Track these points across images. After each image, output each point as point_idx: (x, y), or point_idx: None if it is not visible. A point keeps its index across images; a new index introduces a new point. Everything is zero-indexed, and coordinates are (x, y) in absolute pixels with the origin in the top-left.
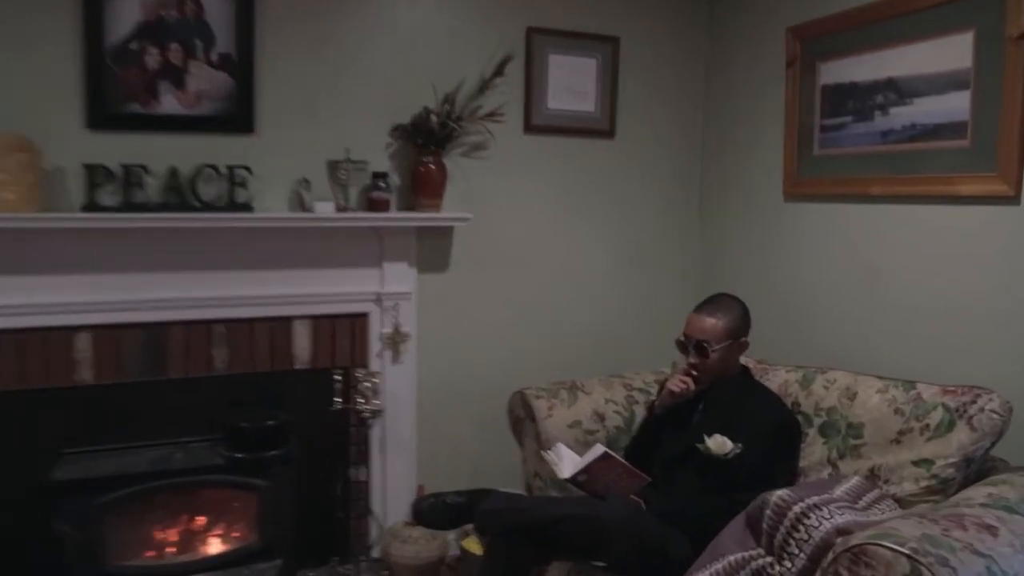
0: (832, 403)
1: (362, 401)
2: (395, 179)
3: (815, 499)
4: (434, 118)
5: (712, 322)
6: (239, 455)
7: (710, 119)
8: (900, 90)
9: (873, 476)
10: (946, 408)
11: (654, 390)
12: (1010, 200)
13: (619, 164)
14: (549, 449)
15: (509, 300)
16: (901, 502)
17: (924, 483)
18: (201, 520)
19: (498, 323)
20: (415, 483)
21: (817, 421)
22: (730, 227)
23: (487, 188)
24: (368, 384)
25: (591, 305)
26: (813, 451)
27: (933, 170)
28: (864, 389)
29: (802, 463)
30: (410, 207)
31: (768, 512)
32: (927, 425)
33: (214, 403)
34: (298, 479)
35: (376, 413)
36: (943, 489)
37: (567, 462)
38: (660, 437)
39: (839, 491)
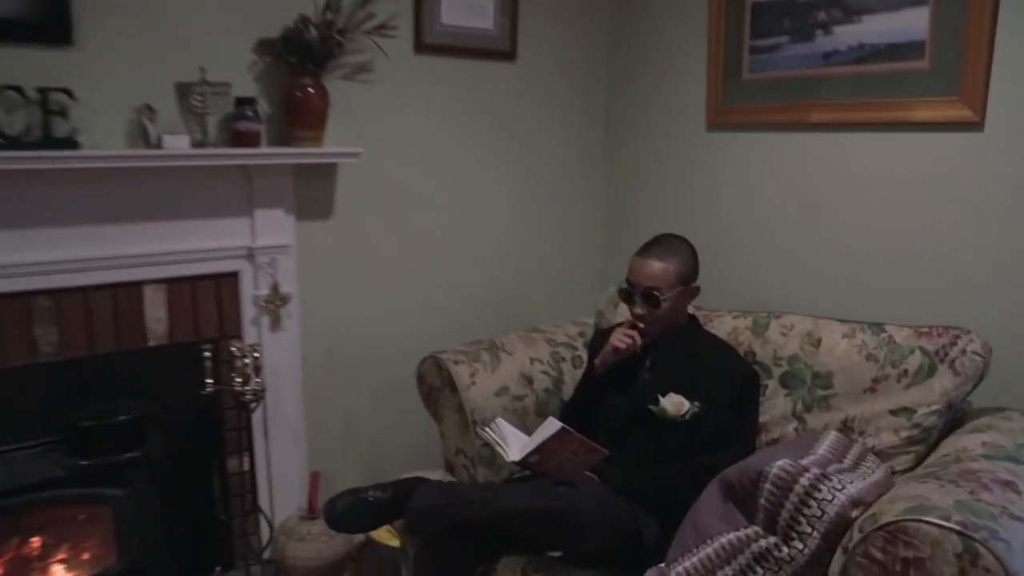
0: (793, 351)
1: (239, 380)
2: (265, 107)
3: (820, 468)
4: (313, 30)
5: (661, 267)
6: (84, 462)
7: (620, 39)
8: (846, 7)
9: (846, 429)
10: (924, 352)
11: (579, 344)
12: (974, 126)
13: (521, 91)
14: (486, 427)
15: (404, 249)
16: (880, 455)
17: (905, 433)
18: (35, 543)
19: (393, 277)
20: (307, 470)
21: (777, 371)
22: (643, 161)
23: (374, 118)
24: (246, 359)
25: (496, 251)
26: (775, 404)
27: (885, 95)
28: (828, 334)
29: (763, 418)
30: (285, 141)
31: (767, 486)
32: (905, 371)
33: (43, 398)
34: (164, 481)
35: (258, 394)
36: (924, 439)
37: (513, 441)
38: (602, 399)
39: (821, 449)
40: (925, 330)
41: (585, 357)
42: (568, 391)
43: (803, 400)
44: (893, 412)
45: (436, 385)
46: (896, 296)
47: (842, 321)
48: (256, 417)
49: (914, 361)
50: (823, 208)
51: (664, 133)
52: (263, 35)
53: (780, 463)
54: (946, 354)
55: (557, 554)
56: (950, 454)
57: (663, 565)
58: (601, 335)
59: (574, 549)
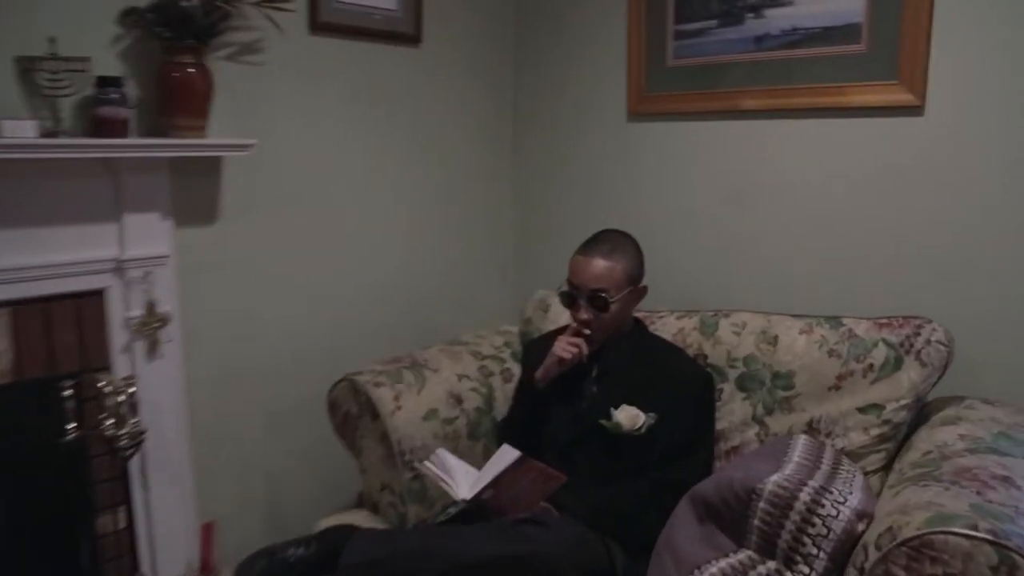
0: (749, 350)
1: (111, 423)
2: (134, 89)
3: (817, 480)
4: None
5: (607, 266)
6: None
7: (530, 23)
8: None
9: (812, 431)
10: (888, 344)
11: (507, 356)
12: (915, 110)
13: (427, 78)
14: (426, 461)
15: (301, 255)
16: (850, 456)
17: (875, 431)
18: None
19: (290, 287)
20: (197, 522)
21: (733, 374)
22: (557, 155)
23: (265, 106)
24: (119, 396)
25: (401, 253)
26: (733, 409)
27: (820, 79)
28: (784, 331)
29: (721, 425)
30: (159, 131)
31: (763, 506)
32: (870, 365)
33: None
34: (13, 553)
35: (136, 437)
36: (894, 436)
37: (460, 474)
38: (545, 416)
39: (796, 456)
40: (885, 321)
41: (516, 370)
42: (501, 409)
43: (763, 403)
44: (861, 410)
45: (353, 413)
46: (843, 287)
47: (796, 316)
48: (133, 463)
49: (879, 354)
50: (759, 199)
51: (580, 124)
52: (129, 2)
53: (774, 479)
54: (911, 345)
55: None
56: (932, 451)
57: None
58: (535, 345)
59: None
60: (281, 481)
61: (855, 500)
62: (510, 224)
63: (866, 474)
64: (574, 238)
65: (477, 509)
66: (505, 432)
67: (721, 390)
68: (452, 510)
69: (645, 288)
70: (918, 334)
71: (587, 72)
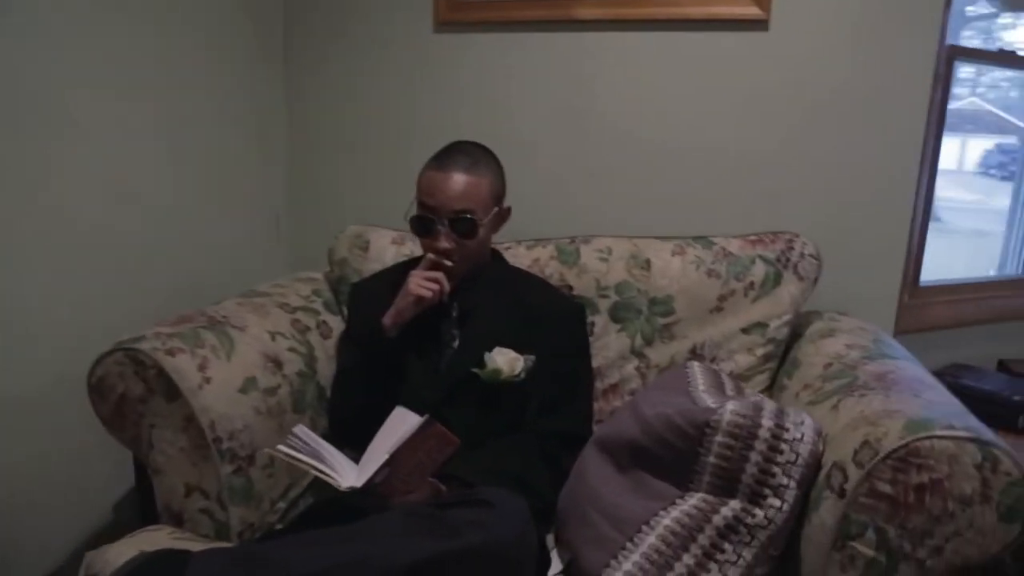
0: (621, 277)
1: None
2: None
3: (769, 404)
4: None
5: (471, 181)
6: None
7: None
8: None
9: (697, 357)
10: (765, 260)
11: (319, 307)
12: (759, 24)
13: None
14: (283, 446)
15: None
16: (739, 379)
17: (760, 351)
18: None
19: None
20: None
21: (604, 304)
22: (342, 80)
23: None
24: None
25: (148, 202)
26: (608, 343)
27: None
28: (655, 254)
29: (596, 362)
30: None
31: (720, 439)
32: (751, 283)
33: None
34: None
35: None
36: (776, 354)
37: (340, 461)
38: (400, 372)
39: (701, 385)
40: (755, 238)
41: (334, 323)
42: (325, 370)
43: (642, 333)
44: (745, 330)
45: (135, 395)
46: (694, 207)
47: (662, 239)
48: None
49: (758, 271)
50: (595, 121)
51: (372, 36)
52: None
53: (731, 408)
54: (787, 260)
55: None
56: (832, 363)
57: (598, 574)
58: (365, 288)
59: None
60: (8, 505)
61: (810, 420)
62: (283, 164)
63: None
64: (367, 180)
65: (351, 496)
66: (341, 400)
67: (592, 323)
68: (304, 503)
69: (509, 209)
70: (791, 248)
71: None
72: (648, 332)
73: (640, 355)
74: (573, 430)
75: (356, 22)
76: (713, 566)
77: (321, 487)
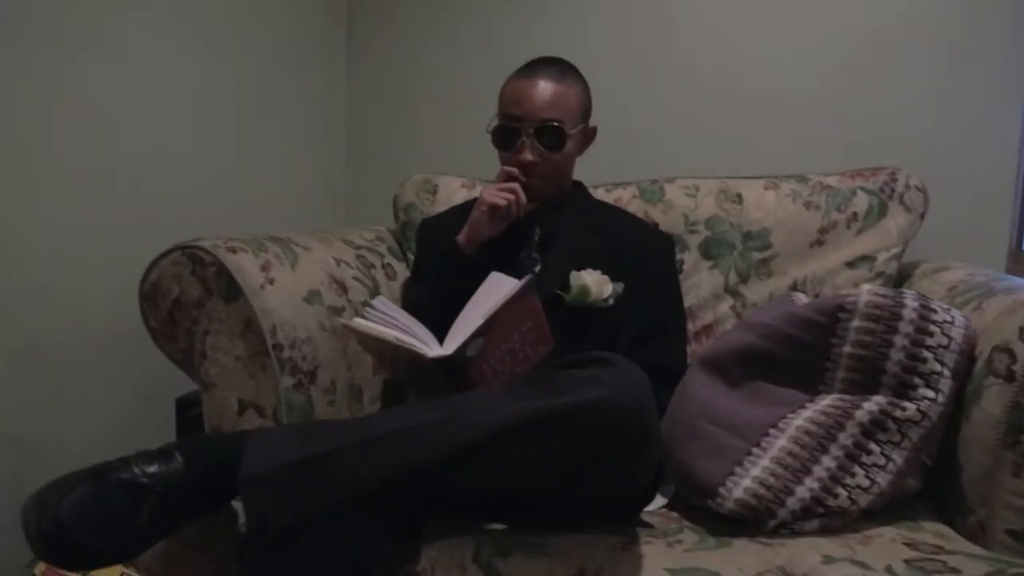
0: (711, 211)
1: None
2: None
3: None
4: None
5: (561, 91)
6: None
7: None
8: None
9: (798, 294)
10: (868, 191)
11: (384, 251)
12: None
13: None
14: (357, 318)
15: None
16: None
17: (867, 285)
18: None
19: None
20: None
21: (694, 240)
22: (399, 48)
23: None
24: None
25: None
26: (699, 282)
27: None
28: (747, 189)
29: (687, 301)
30: None
31: (857, 324)
32: (854, 215)
33: None
34: None
35: None
36: None
37: (425, 334)
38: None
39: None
40: (851, 173)
41: (399, 268)
42: None
43: (736, 269)
44: (850, 264)
45: (192, 298)
46: (785, 154)
47: (752, 178)
48: None
49: (861, 202)
50: (675, 66)
51: (436, 12)
52: None
53: (867, 287)
54: (892, 190)
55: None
56: (957, 287)
57: (719, 485)
58: (435, 223)
59: (616, 480)
60: (38, 447)
61: (956, 311)
62: (342, 141)
63: None
64: (428, 158)
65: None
66: (423, 315)
67: (682, 261)
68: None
69: (595, 129)
70: (895, 180)
71: None
72: (743, 268)
73: (735, 293)
74: (668, 363)
75: None
76: (858, 470)
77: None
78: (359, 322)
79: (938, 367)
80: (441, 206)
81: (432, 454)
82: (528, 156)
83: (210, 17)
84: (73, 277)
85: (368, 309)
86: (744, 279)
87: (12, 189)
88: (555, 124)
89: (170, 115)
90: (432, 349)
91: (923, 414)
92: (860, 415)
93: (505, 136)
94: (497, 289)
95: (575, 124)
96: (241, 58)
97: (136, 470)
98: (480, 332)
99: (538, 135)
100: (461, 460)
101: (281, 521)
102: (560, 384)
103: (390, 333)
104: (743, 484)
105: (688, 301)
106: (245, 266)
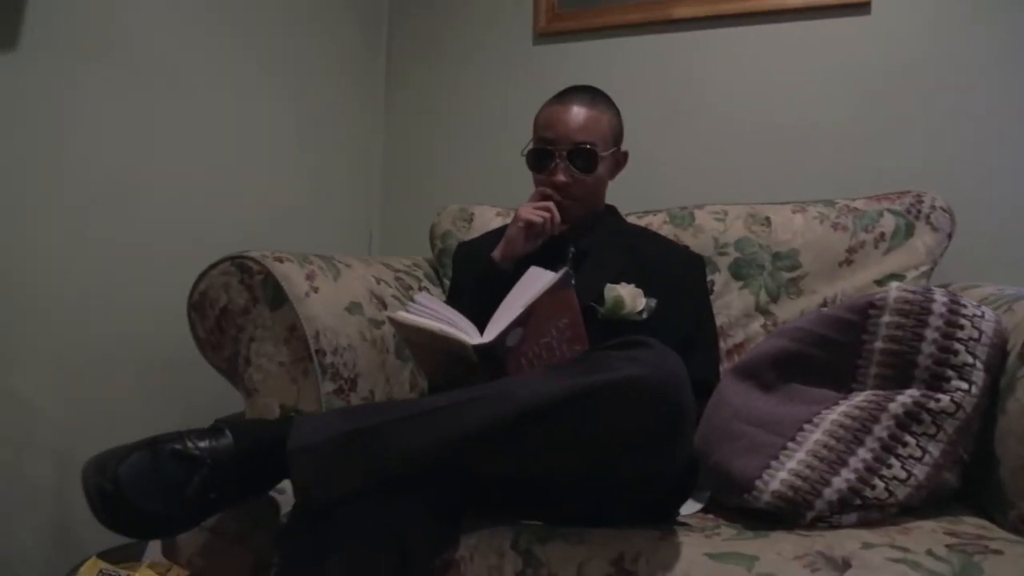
0: (741, 234)
1: None
2: None
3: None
4: None
5: (593, 115)
6: None
7: None
8: None
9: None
10: (894, 213)
11: (421, 276)
12: (861, 8)
13: None
14: (401, 312)
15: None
16: None
17: (896, 283)
18: None
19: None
20: None
21: (724, 261)
22: (441, 90)
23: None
24: None
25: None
26: (730, 302)
27: None
28: (775, 213)
29: (718, 320)
30: None
31: (888, 319)
32: (882, 235)
33: None
34: None
35: None
36: None
37: (467, 326)
38: None
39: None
40: (876, 197)
41: (435, 293)
42: None
43: (766, 289)
44: (879, 282)
45: (239, 306)
46: (811, 188)
47: (780, 203)
48: None
49: (888, 223)
50: (703, 114)
51: (472, 50)
52: None
53: (895, 285)
54: (918, 211)
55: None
56: (986, 300)
57: (756, 479)
58: (470, 246)
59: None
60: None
61: (986, 307)
62: (379, 175)
63: None
64: (462, 194)
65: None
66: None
67: (712, 282)
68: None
69: (626, 154)
70: (921, 201)
71: None
72: (773, 288)
73: (766, 312)
74: (700, 375)
75: (456, 35)
76: (895, 462)
77: None
78: (403, 315)
79: (970, 359)
80: (476, 234)
81: (475, 428)
82: (561, 177)
83: (260, 48)
84: (118, 295)
85: (411, 304)
86: (774, 298)
87: (64, 206)
88: (588, 147)
89: (220, 146)
90: (473, 338)
91: (957, 405)
92: (894, 407)
93: (539, 158)
94: (536, 281)
95: (607, 147)
96: (289, 93)
97: (188, 443)
98: (519, 321)
99: (571, 157)
100: (503, 435)
101: (327, 493)
102: (600, 362)
103: (433, 324)
104: (779, 476)
105: (719, 320)
106: (291, 275)
